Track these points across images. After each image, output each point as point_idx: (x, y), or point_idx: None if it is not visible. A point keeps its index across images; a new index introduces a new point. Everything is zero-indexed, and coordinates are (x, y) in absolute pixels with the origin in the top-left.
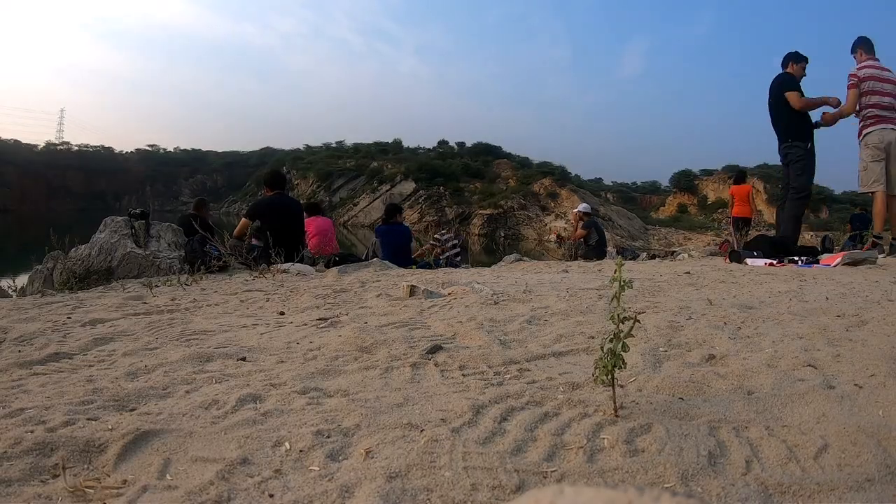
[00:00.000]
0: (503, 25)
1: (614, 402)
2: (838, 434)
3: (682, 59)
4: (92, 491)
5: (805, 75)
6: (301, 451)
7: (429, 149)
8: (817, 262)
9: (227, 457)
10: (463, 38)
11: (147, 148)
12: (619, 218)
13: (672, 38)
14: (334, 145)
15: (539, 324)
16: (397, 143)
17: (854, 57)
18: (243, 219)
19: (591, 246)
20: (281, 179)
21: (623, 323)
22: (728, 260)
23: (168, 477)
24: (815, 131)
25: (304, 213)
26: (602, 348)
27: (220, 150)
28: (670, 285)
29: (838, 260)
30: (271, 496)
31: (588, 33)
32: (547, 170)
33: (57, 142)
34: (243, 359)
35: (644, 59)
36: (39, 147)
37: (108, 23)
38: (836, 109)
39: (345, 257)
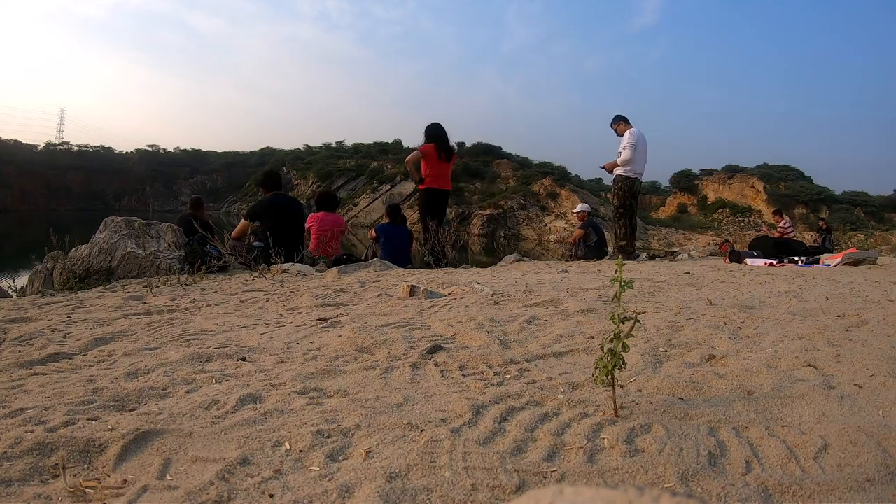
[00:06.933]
0: None
1: (614, 402)
2: (838, 434)
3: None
4: (92, 491)
5: None
6: (301, 451)
7: None
8: (817, 261)
9: (227, 457)
10: None
11: (147, 148)
12: None
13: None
14: (334, 145)
15: (539, 324)
16: (397, 144)
17: None
18: (243, 220)
19: (590, 246)
20: (276, 179)
21: (623, 323)
22: (728, 260)
23: (168, 477)
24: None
25: (315, 208)
26: (602, 348)
27: (220, 150)
28: (670, 285)
29: (838, 260)
30: (271, 496)
31: None
32: (547, 170)
33: (57, 142)
34: (243, 359)
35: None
36: (39, 147)
37: (109, 23)
38: None
39: (345, 258)
